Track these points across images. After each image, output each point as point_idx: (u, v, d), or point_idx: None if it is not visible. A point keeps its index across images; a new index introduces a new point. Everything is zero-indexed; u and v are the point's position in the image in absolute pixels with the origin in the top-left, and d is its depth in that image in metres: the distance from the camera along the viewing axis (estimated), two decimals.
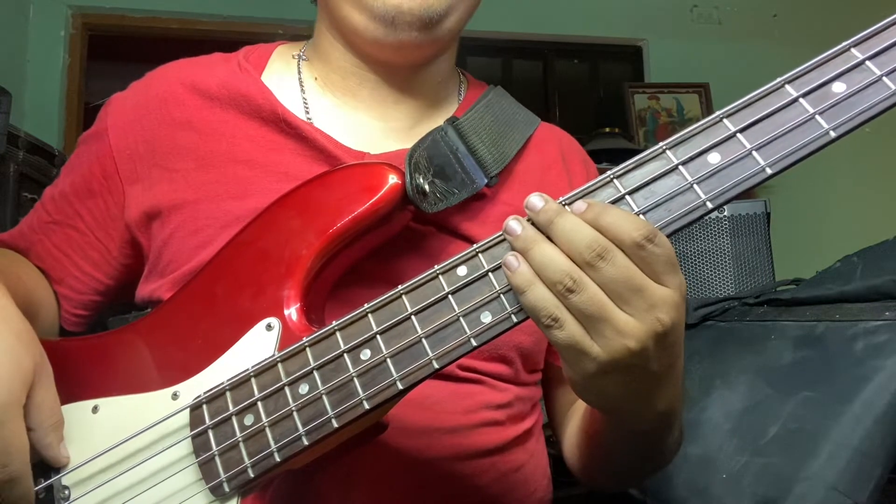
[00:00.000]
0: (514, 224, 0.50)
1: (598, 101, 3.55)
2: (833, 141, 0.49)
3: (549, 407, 0.82)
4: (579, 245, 0.47)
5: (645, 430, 0.57)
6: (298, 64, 0.79)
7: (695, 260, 1.60)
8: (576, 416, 0.75)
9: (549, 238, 0.49)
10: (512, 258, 0.49)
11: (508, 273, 0.49)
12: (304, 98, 0.76)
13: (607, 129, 3.09)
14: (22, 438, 0.55)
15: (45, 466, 0.59)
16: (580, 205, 0.49)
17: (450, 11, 0.70)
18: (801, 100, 0.49)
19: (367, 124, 0.75)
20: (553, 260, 0.48)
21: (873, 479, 0.76)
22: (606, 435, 0.62)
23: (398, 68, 0.75)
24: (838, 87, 0.49)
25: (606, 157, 2.72)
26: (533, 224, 0.50)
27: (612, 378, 0.49)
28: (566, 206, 0.50)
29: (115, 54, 3.27)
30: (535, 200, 0.50)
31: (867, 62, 0.49)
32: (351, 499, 0.63)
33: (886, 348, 0.83)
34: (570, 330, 0.47)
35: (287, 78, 0.77)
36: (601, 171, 0.53)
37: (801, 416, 0.87)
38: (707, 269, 1.58)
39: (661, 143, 0.51)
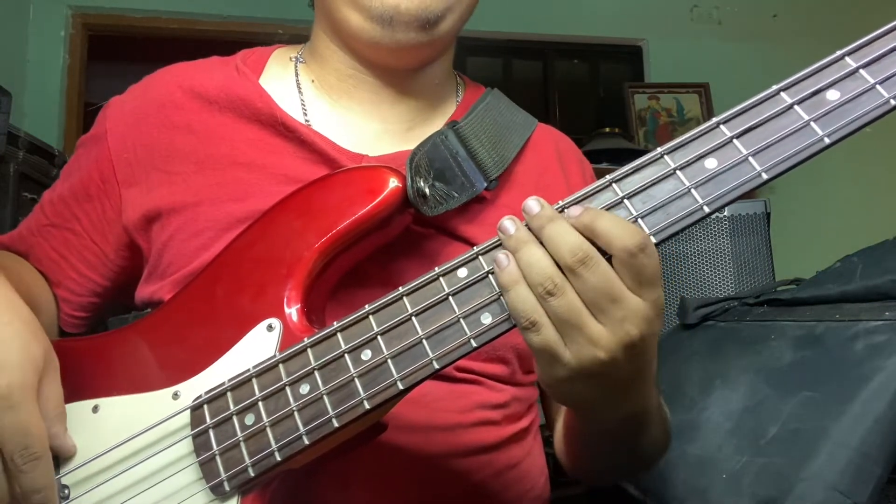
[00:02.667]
0: (509, 224, 0.51)
1: (598, 101, 3.55)
2: (827, 147, 0.49)
3: (544, 406, 0.83)
4: (563, 249, 0.48)
5: (613, 430, 0.59)
6: (296, 66, 0.79)
7: (695, 260, 1.60)
8: (561, 412, 0.77)
9: (541, 241, 0.50)
10: (503, 256, 0.50)
11: (497, 270, 0.51)
12: (301, 101, 0.76)
13: (607, 129, 3.10)
14: (39, 421, 0.56)
15: None
16: (576, 209, 0.50)
17: (447, 12, 0.70)
18: (795, 107, 0.50)
19: (364, 126, 0.75)
20: (539, 261, 0.49)
21: (873, 479, 0.76)
22: (581, 431, 0.66)
23: (395, 71, 0.75)
24: (832, 95, 0.50)
25: (606, 158, 2.72)
26: (528, 226, 0.51)
27: (581, 383, 0.51)
28: (563, 211, 0.51)
29: (115, 54, 3.28)
30: (532, 204, 0.51)
31: (861, 70, 0.50)
32: (349, 496, 0.64)
33: (886, 348, 0.83)
34: (546, 335, 0.49)
35: (285, 81, 0.78)
36: (600, 172, 0.53)
37: (801, 416, 0.87)
38: (707, 269, 1.58)
39: (658, 149, 0.52)
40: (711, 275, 1.57)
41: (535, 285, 0.49)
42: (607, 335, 0.48)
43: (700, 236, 1.60)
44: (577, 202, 0.52)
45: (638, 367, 0.51)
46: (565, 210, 0.51)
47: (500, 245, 0.52)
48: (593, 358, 0.48)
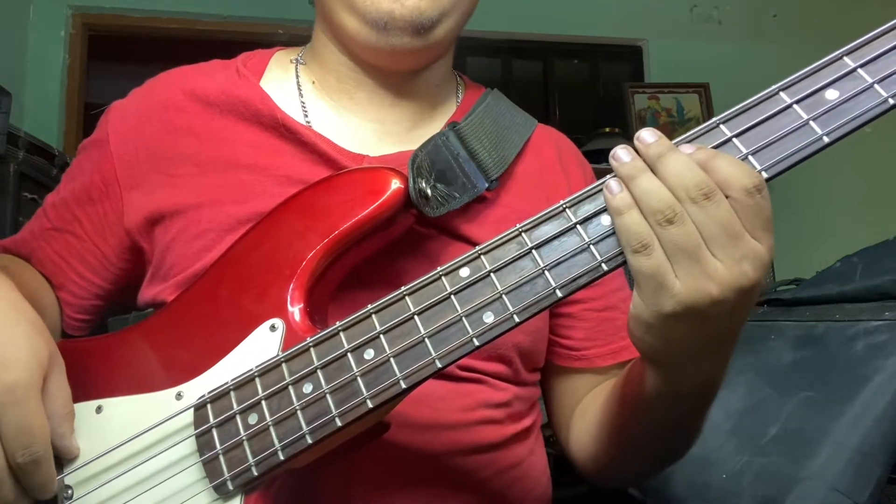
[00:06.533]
0: (623, 152, 0.50)
1: (598, 101, 3.55)
2: (826, 146, 0.50)
3: (553, 406, 0.82)
4: (688, 182, 0.47)
5: (686, 394, 0.57)
6: (296, 68, 0.80)
7: None
8: (596, 401, 0.73)
9: (655, 172, 0.49)
10: (614, 182, 0.50)
11: (608, 195, 0.50)
12: (302, 102, 0.76)
13: (607, 129, 3.10)
14: (42, 419, 0.56)
15: None
16: (688, 147, 0.49)
17: (443, 18, 0.71)
18: (795, 106, 0.50)
19: (364, 127, 0.76)
20: (659, 189, 0.48)
21: (873, 479, 0.76)
22: (643, 399, 0.59)
23: (394, 73, 0.75)
24: (831, 94, 0.50)
25: (606, 158, 2.71)
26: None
27: (681, 324, 0.49)
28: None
29: (115, 54, 3.28)
30: (647, 135, 0.50)
31: (859, 70, 0.50)
32: (352, 494, 0.64)
33: (886, 348, 0.84)
34: (658, 259, 0.47)
35: (285, 82, 0.78)
36: (600, 172, 0.54)
37: (801, 416, 0.88)
38: None
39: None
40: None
41: (654, 212, 0.48)
42: (724, 271, 0.47)
43: None
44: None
45: (737, 321, 0.50)
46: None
47: (502, 244, 0.52)
48: (705, 292, 0.47)
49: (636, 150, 0.50)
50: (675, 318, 0.48)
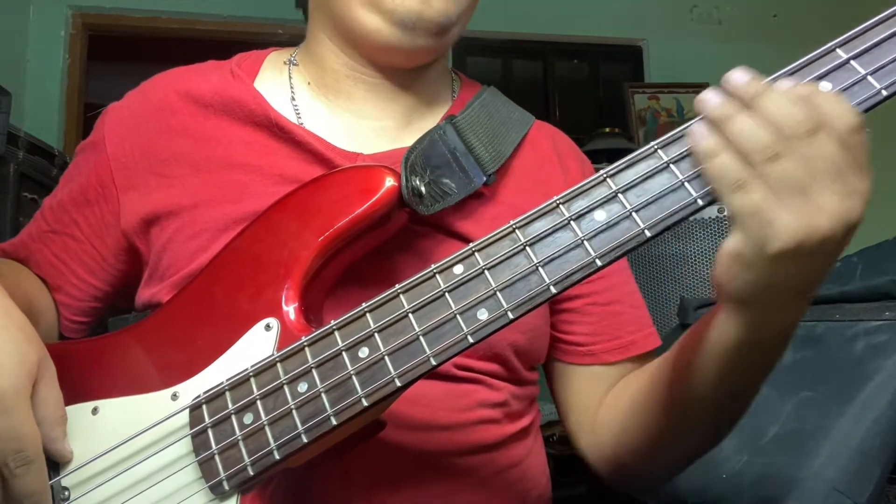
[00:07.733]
0: (713, 94, 0.49)
1: (598, 101, 3.55)
2: None
3: (564, 406, 0.79)
4: (791, 119, 0.45)
5: (766, 341, 0.54)
6: (289, 69, 0.80)
7: (695, 260, 1.60)
8: (631, 387, 0.70)
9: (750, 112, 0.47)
10: (701, 126, 0.49)
11: (696, 139, 0.48)
12: (294, 103, 0.76)
13: (607, 129, 3.10)
14: (32, 425, 0.56)
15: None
16: (786, 82, 0.48)
17: (460, 18, 0.72)
18: None
19: (359, 125, 0.75)
20: (759, 128, 0.46)
21: (873, 479, 0.75)
22: (713, 354, 0.55)
23: (399, 71, 0.75)
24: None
25: (606, 157, 2.72)
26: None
27: (788, 261, 0.46)
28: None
29: (115, 54, 3.29)
30: (740, 75, 0.49)
31: (852, 61, 0.50)
32: (350, 495, 0.64)
33: (886, 348, 0.83)
34: (759, 195, 0.45)
35: (279, 83, 0.78)
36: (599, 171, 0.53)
37: (801, 416, 0.87)
38: (707, 270, 1.58)
39: (651, 143, 0.52)
40: (711, 275, 1.57)
41: (756, 151, 0.45)
42: (835, 204, 0.45)
43: (700, 236, 1.60)
44: (573, 196, 0.51)
45: (832, 262, 0.48)
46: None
47: (495, 241, 0.52)
48: (816, 227, 0.44)
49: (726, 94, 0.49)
50: (783, 256, 0.46)
